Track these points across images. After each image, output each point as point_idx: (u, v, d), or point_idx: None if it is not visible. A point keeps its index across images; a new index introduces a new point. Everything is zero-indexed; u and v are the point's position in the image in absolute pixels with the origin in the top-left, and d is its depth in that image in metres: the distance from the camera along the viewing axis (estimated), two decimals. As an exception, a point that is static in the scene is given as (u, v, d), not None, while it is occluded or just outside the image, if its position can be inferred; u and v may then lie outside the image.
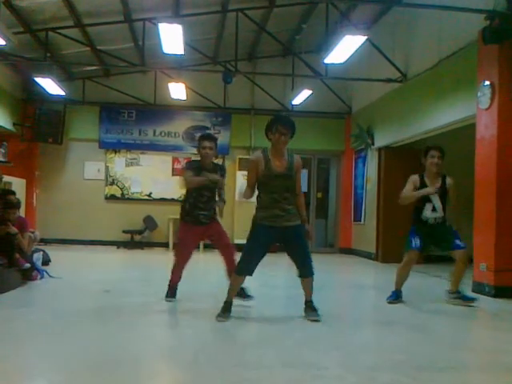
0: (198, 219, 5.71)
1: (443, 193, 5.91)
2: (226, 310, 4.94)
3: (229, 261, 5.71)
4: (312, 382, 3.27)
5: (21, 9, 8.86)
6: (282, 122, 4.93)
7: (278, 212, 4.81)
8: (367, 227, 11.96)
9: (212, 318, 5.05)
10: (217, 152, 5.88)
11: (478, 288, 6.88)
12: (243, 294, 5.63)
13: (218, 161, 5.89)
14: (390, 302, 6.05)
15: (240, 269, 4.95)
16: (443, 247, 6.10)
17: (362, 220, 12.27)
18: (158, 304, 5.72)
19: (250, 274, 4.95)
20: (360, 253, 12.35)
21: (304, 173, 13.80)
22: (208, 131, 13.30)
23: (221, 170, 5.85)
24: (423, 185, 5.95)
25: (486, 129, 6.92)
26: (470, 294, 6.11)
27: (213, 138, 5.87)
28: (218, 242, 5.82)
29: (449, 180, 6.02)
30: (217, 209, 5.77)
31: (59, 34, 9.92)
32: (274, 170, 4.78)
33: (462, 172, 9.95)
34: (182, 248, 5.82)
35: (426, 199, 5.91)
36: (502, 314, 5.95)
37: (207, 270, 10.19)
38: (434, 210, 5.91)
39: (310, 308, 5.05)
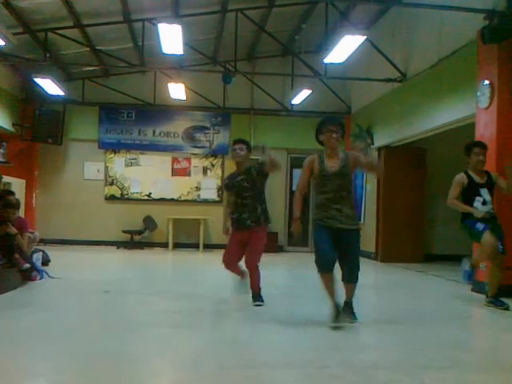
0: (240, 223, 5.64)
1: (491, 186, 5.93)
2: (336, 314, 4.70)
3: (247, 265, 5.64)
4: (312, 381, 3.27)
5: (20, 9, 8.87)
6: (330, 121, 4.94)
7: (332, 213, 4.73)
8: (367, 227, 11.95)
9: (210, 317, 5.05)
10: (248, 154, 5.82)
11: (478, 287, 6.86)
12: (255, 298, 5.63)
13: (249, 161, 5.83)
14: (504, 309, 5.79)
15: (319, 267, 4.74)
16: None
17: (362, 220, 12.27)
18: (158, 304, 5.73)
19: (330, 270, 4.69)
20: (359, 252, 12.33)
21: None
22: (207, 131, 13.34)
23: (256, 167, 5.76)
24: (471, 180, 5.95)
25: (486, 128, 6.92)
26: (503, 299, 5.85)
27: (242, 141, 5.86)
28: (248, 244, 5.64)
29: (493, 174, 6.05)
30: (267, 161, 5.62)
31: (58, 34, 9.92)
32: (327, 169, 4.77)
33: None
34: (224, 254, 5.78)
35: (474, 193, 5.89)
36: (501, 313, 5.94)
37: (207, 270, 10.20)
38: (484, 203, 5.89)
39: (348, 309, 4.88)
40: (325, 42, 10.11)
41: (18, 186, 11.16)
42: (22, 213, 8.79)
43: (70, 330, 4.43)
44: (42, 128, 12.30)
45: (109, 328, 4.64)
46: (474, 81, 7.18)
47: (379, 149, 11.45)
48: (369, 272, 10.08)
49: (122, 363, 3.55)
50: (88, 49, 10.90)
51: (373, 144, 11.65)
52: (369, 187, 11.91)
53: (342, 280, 4.85)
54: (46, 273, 7.21)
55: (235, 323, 5.14)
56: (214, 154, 13.44)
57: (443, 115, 8.50)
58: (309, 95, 11.53)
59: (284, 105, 13.00)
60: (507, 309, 5.76)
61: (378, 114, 11.46)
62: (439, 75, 8.69)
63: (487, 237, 5.73)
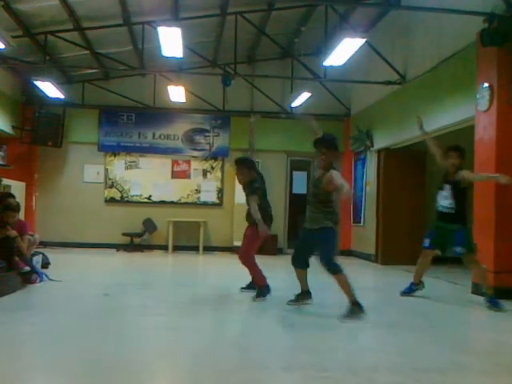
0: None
1: (455, 185, 6.20)
2: (301, 297, 5.85)
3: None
4: (312, 383, 3.27)
5: (20, 12, 8.87)
6: (321, 142, 5.58)
7: (307, 214, 5.66)
8: (367, 229, 11.96)
9: (210, 320, 5.04)
10: (247, 173, 6.59)
11: (478, 289, 6.87)
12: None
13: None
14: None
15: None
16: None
17: (362, 222, 12.28)
18: (157, 307, 5.73)
19: (297, 266, 5.82)
20: (359, 255, 12.36)
21: (303, 175, 13.83)
22: (207, 134, 13.34)
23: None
24: (445, 174, 6.34)
25: (485, 131, 6.93)
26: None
27: (239, 162, 6.69)
28: None
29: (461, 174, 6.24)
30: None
31: (58, 37, 9.93)
32: (313, 176, 5.67)
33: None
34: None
35: (440, 187, 6.34)
36: (501, 315, 5.95)
37: (207, 272, 10.20)
38: (445, 197, 6.27)
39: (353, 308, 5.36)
40: (324, 44, 10.11)
41: (17, 188, 11.15)
42: (21, 215, 8.79)
43: (69, 333, 4.43)
44: (42, 131, 12.30)
45: (108, 331, 4.64)
46: (473, 83, 7.19)
47: (379, 151, 11.46)
48: (369, 274, 10.09)
49: (122, 366, 3.55)
50: (88, 52, 10.90)
51: (372, 146, 11.67)
52: (368, 189, 11.92)
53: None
54: (46, 275, 7.21)
55: (235, 326, 5.14)
56: (213, 156, 13.44)
57: (442, 118, 8.51)
58: (308, 98, 11.54)
59: (284, 107, 13.01)
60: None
61: (377, 117, 11.47)
62: (438, 78, 8.70)
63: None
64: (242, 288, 6.67)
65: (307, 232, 5.58)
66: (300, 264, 5.75)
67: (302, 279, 5.85)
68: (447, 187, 6.26)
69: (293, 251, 5.89)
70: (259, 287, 6.27)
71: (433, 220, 6.61)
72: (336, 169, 5.46)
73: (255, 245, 6.49)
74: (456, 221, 6.20)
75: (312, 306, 5.95)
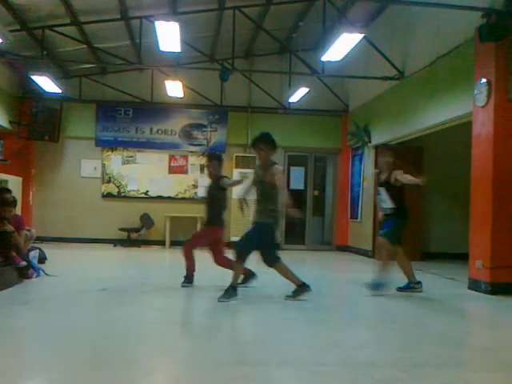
0: None
1: (389, 186, 6.48)
2: (231, 293, 5.69)
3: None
4: (309, 378, 3.27)
5: (17, 6, 8.82)
6: (260, 139, 6.02)
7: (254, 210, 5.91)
8: (364, 225, 11.97)
9: (207, 315, 5.03)
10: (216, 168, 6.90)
11: (474, 285, 6.89)
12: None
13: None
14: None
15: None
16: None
17: (359, 217, 12.29)
18: (155, 302, 5.73)
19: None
20: (357, 250, 12.37)
21: (300, 170, 13.81)
22: (204, 129, 13.32)
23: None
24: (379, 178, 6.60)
25: (483, 126, 6.93)
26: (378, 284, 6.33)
27: (210, 157, 7.09)
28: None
29: (393, 174, 6.52)
30: None
31: (56, 31, 9.88)
32: (255, 176, 5.94)
33: (458, 170, 10.01)
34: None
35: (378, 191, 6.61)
36: (498, 311, 5.97)
37: (203, 268, 10.20)
38: (381, 200, 6.59)
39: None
40: (322, 39, 10.08)
41: (14, 183, 11.12)
42: (18, 210, 8.77)
43: (66, 328, 4.43)
44: (39, 126, 12.26)
45: (105, 326, 4.64)
46: (471, 79, 7.18)
47: (376, 147, 11.45)
48: (365, 269, 10.09)
49: (119, 361, 3.55)
50: (85, 46, 10.86)
51: (370, 142, 11.66)
52: (366, 185, 11.92)
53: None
54: (43, 270, 7.20)
55: (232, 321, 5.14)
56: (211, 151, 13.41)
57: (440, 113, 8.51)
58: (306, 93, 11.52)
59: (281, 103, 12.99)
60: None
61: (375, 112, 11.46)
62: (436, 73, 8.69)
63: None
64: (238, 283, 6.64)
65: (253, 226, 5.84)
66: (245, 257, 5.79)
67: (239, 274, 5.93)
68: (382, 190, 6.49)
69: (239, 245, 5.85)
70: (188, 274, 6.61)
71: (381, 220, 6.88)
72: (278, 165, 5.87)
73: (202, 243, 6.82)
74: (395, 214, 6.51)
75: (307, 302, 5.95)
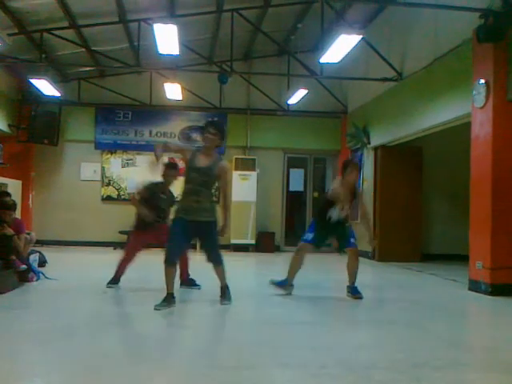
0: None
1: (353, 198, 6.42)
2: (168, 301, 5.30)
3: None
4: (309, 380, 3.27)
5: (15, 10, 8.83)
6: (212, 124, 5.65)
7: (191, 204, 5.35)
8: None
9: (207, 317, 5.04)
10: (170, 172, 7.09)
11: (474, 286, 6.89)
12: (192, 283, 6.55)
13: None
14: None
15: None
16: (339, 243, 6.48)
17: (359, 219, 12.27)
18: (155, 303, 5.71)
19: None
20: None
21: (300, 172, 13.82)
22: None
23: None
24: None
25: (481, 127, 6.93)
26: (359, 289, 6.24)
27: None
28: None
29: (357, 189, 6.61)
30: None
31: (54, 35, 9.89)
32: (195, 164, 5.37)
33: (457, 170, 10.02)
34: None
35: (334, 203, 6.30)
36: (498, 312, 5.97)
37: (203, 270, 10.18)
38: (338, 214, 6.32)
39: (223, 294, 5.62)
40: (321, 41, 10.09)
41: (14, 187, 11.11)
42: (18, 214, 8.75)
43: (66, 331, 4.42)
44: (38, 129, 12.26)
45: (105, 329, 4.64)
46: (469, 80, 7.19)
47: (375, 148, 11.47)
48: (366, 271, 10.06)
49: (119, 363, 3.55)
50: (84, 49, 10.87)
51: (369, 143, 11.67)
52: (365, 186, 11.92)
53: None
54: (43, 274, 7.20)
55: (232, 323, 5.14)
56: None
57: (439, 114, 8.52)
58: (305, 95, 11.53)
59: (280, 105, 13.00)
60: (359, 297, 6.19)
61: (374, 114, 11.47)
62: (435, 74, 8.70)
63: (305, 246, 6.44)
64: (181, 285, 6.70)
65: (190, 223, 5.32)
66: (177, 259, 5.53)
67: (173, 279, 5.47)
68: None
69: (169, 246, 5.51)
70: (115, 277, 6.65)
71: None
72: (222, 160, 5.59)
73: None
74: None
75: (308, 303, 5.96)
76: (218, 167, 5.39)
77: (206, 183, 5.36)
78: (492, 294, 6.53)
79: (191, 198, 5.33)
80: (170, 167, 6.99)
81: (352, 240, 6.32)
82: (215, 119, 5.91)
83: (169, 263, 5.38)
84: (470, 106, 7.18)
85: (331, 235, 6.46)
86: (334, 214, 6.26)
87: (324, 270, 10.09)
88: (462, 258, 8.46)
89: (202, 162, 5.35)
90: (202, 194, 5.32)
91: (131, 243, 7.00)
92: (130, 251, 6.87)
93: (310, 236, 6.39)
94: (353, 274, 6.30)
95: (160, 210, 6.79)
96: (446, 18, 8.15)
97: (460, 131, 8.16)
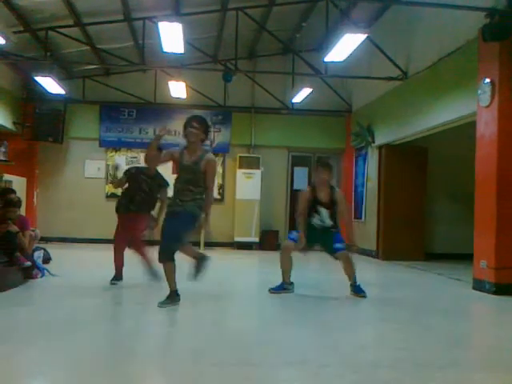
0: None
1: (332, 204, 6.20)
2: (172, 298, 5.28)
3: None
4: (312, 379, 3.28)
5: (20, 8, 8.85)
6: (194, 118, 5.37)
7: (176, 202, 5.28)
8: (368, 225, 11.96)
9: (210, 315, 5.04)
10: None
11: (479, 285, 6.88)
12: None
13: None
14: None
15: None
16: (326, 250, 6.38)
17: (363, 218, 12.28)
18: (159, 300, 5.72)
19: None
20: (361, 251, 12.33)
21: (304, 170, 13.81)
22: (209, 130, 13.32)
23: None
24: (315, 196, 6.23)
25: (487, 126, 6.91)
26: (362, 287, 6.23)
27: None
28: None
29: (337, 194, 6.28)
30: None
31: (59, 32, 9.91)
32: (183, 162, 5.25)
33: (462, 170, 10.00)
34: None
35: (315, 209, 6.20)
36: (502, 311, 5.95)
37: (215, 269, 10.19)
38: (321, 221, 6.23)
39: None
40: (325, 40, 10.09)
41: (18, 184, 11.15)
42: (23, 211, 8.78)
43: (70, 328, 4.44)
44: (43, 127, 12.30)
45: (109, 325, 4.65)
46: (474, 79, 7.17)
47: (380, 147, 11.45)
48: (370, 270, 10.09)
49: (123, 361, 3.56)
50: (88, 47, 10.89)
51: (374, 142, 11.65)
52: (370, 185, 11.91)
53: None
54: (48, 271, 7.22)
55: (235, 321, 5.14)
56: (214, 152, 13.39)
57: (444, 113, 8.50)
58: (309, 94, 11.52)
59: (285, 103, 12.99)
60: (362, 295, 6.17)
61: (378, 113, 11.45)
62: (440, 73, 8.68)
63: (288, 244, 6.31)
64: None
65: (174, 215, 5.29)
66: (169, 255, 5.26)
67: (172, 275, 5.35)
68: (324, 211, 6.18)
69: (160, 243, 5.36)
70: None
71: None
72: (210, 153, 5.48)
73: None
74: (335, 228, 6.31)
75: (310, 301, 5.96)
76: (204, 161, 5.23)
77: (191, 180, 5.21)
78: (496, 293, 6.52)
79: (176, 198, 5.27)
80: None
81: (338, 245, 6.19)
82: (199, 115, 5.70)
83: (161, 260, 5.29)
84: (475, 105, 7.15)
85: (316, 241, 6.33)
86: (314, 220, 6.23)
87: (327, 270, 10.09)
88: (466, 257, 8.45)
89: (187, 158, 5.24)
90: (187, 193, 5.21)
91: (115, 231, 6.92)
92: (115, 240, 6.89)
93: (295, 235, 6.30)
94: (351, 276, 6.27)
95: (141, 192, 6.69)
96: (451, 16, 8.12)
97: (465, 130, 8.14)
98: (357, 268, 6.33)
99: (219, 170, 13.40)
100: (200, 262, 5.47)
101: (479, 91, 7.00)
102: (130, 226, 6.71)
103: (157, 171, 6.75)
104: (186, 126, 5.28)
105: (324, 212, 6.20)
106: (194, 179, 5.22)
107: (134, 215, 6.73)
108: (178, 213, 5.23)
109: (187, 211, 5.20)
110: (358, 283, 6.26)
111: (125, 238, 6.76)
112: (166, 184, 6.75)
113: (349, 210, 6.38)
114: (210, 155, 5.41)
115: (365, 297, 6.14)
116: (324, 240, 6.28)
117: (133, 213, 6.72)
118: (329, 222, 6.22)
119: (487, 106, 6.88)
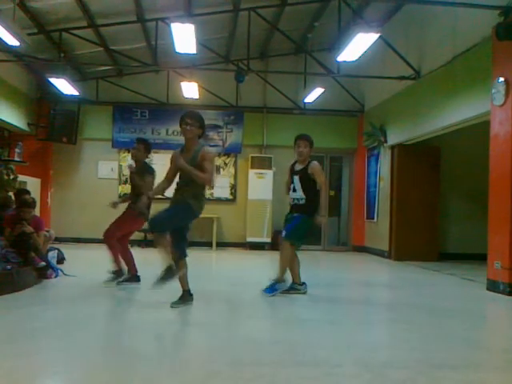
0: None
1: (305, 172, 6.22)
2: (184, 299, 5.35)
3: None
4: (326, 379, 3.27)
5: (34, 10, 8.94)
6: (187, 114, 5.26)
7: (176, 197, 5.41)
8: (380, 225, 11.92)
9: (223, 315, 5.05)
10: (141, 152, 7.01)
11: (493, 286, 6.83)
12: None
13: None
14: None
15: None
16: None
17: (375, 218, 12.24)
18: (172, 301, 5.75)
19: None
20: (373, 251, 12.32)
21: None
22: (220, 130, 13.36)
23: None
24: (292, 167, 6.40)
25: (501, 126, 6.86)
26: (276, 288, 6.03)
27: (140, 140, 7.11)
28: None
29: (312, 164, 6.31)
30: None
31: (73, 34, 10.00)
32: (179, 162, 5.26)
33: (476, 169, 9.93)
34: None
35: (291, 180, 6.29)
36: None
37: (219, 268, 10.23)
38: (294, 190, 6.22)
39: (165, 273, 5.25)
40: (338, 40, 10.07)
41: (33, 185, 11.25)
42: (37, 212, 8.87)
43: (84, 328, 4.47)
44: (57, 127, 12.40)
45: (123, 325, 4.68)
46: (488, 78, 7.12)
47: (392, 147, 11.40)
48: (382, 270, 10.06)
49: (136, 361, 3.58)
50: (102, 49, 10.97)
51: (386, 142, 11.61)
52: (382, 185, 11.87)
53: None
54: (61, 271, 7.28)
55: (248, 321, 5.15)
56: (226, 152, 13.45)
57: (457, 113, 8.44)
58: (322, 93, 11.51)
59: (297, 103, 12.98)
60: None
61: (391, 112, 11.40)
62: (453, 72, 8.63)
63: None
64: (119, 281, 6.68)
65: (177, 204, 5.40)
66: (163, 228, 5.30)
67: (184, 275, 5.42)
68: (296, 178, 6.19)
69: (157, 214, 5.41)
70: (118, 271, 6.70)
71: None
72: (207, 146, 5.35)
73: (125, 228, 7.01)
74: (302, 211, 6.11)
75: (321, 302, 5.94)
76: (199, 154, 5.14)
77: (191, 180, 5.19)
78: (511, 294, 6.47)
79: (176, 194, 5.44)
80: (137, 142, 7.02)
81: (284, 231, 6.14)
82: (192, 110, 5.61)
83: (151, 228, 5.33)
84: (489, 104, 7.10)
85: (285, 222, 6.34)
86: (291, 193, 6.27)
87: (339, 269, 10.08)
88: (479, 258, 8.39)
89: (183, 158, 5.23)
90: (187, 189, 5.25)
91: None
92: (107, 236, 6.97)
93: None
94: (279, 269, 6.06)
95: (137, 187, 6.80)
96: (465, 15, 8.07)
97: (479, 130, 8.08)
98: (300, 268, 6.22)
99: (231, 170, 13.44)
100: (170, 270, 5.22)
101: (493, 90, 6.95)
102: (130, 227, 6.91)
103: (144, 162, 6.93)
104: (180, 124, 5.23)
105: (296, 179, 6.18)
106: (194, 179, 5.20)
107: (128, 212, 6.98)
108: (177, 200, 5.35)
109: (185, 201, 5.28)
110: (277, 283, 6.01)
111: (115, 234, 6.94)
112: (151, 170, 6.80)
113: (325, 183, 6.21)
114: (206, 147, 5.28)
115: (268, 296, 5.93)
116: (286, 222, 6.30)
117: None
118: (300, 194, 6.10)
119: (501, 105, 6.82)
